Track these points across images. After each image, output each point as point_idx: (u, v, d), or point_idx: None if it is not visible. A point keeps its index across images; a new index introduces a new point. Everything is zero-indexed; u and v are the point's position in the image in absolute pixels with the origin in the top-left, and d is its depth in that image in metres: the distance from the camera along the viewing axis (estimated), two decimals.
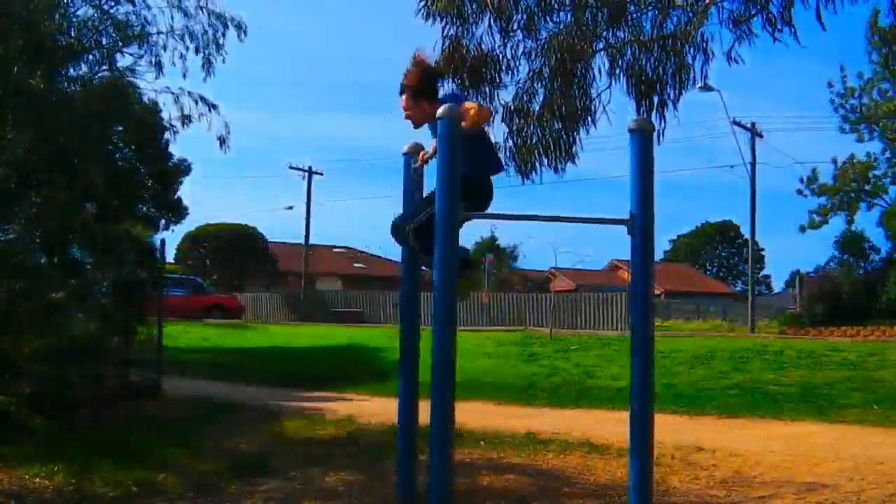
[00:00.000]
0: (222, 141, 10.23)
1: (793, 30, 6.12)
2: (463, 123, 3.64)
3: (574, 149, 7.10)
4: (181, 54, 9.61)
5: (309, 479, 5.64)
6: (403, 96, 4.06)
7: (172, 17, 9.42)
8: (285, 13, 76.66)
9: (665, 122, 6.77)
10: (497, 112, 7.06)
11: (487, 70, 7.00)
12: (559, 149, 7.07)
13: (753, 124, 27.90)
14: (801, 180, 30.05)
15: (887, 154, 29.40)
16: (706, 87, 22.25)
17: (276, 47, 79.48)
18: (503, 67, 7.06)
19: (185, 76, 9.77)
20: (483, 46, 6.94)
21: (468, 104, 3.83)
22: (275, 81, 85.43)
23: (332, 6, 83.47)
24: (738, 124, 27.48)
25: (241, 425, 7.99)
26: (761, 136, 28.10)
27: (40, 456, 5.91)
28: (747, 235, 35.59)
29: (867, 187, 29.86)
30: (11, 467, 5.67)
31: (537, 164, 7.13)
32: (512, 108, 7.08)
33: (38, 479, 5.44)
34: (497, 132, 7.17)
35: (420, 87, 4.03)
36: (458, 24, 6.91)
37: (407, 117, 4.13)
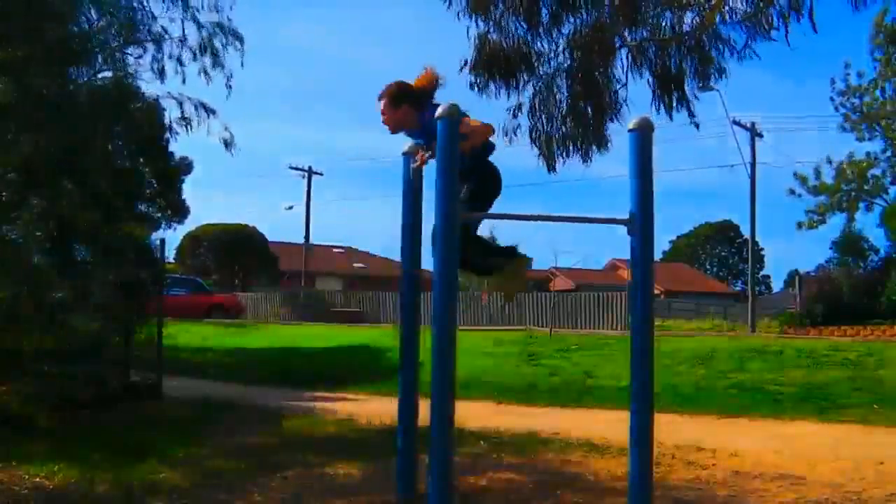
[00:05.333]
0: (227, 144, 10.32)
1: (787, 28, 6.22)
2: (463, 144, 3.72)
3: (600, 140, 7.23)
4: (182, 59, 9.68)
5: (309, 478, 5.64)
6: (382, 101, 4.17)
7: (184, 28, 9.51)
8: (287, 19, 76.72)
9: (694, 115, 6.87)
10: (523, 107, 7.23)
11: (516, 65, 7.14)
12: (587, 141, 7.19)
13: (753, 124, 27.93)
14: (795, 176, 30.00)
15: (888, 153, 29.38)
16: (706, 87, 22.31)
17: (280, 54, 79.54)
18: (530, 62, 7.18)
19: (184, 82, 9.86)
20: (512, 42, 7.08)
21: (470, 121, 3.85)
22: (278, 86, 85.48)
23: (336, 13, 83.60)
24: (738, 124, 27.50)
25: (241, 425, 7.99)
26: (761, 136, 28.15)
27: (41, 455, 5.92)
28: (747, 235, 35.61)
29: (866, 187, 29.82)
30: (12, 467, 5.67)
31: (564, 155, 7.25)
32: (537, 102, 7.19)
33: (38, 479, 5.45)
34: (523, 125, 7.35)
35: (399, 94, 4.14)
36: (488, 21, 7.06)
37: (384, 122, 4.23)
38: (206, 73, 9.79)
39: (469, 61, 7.08)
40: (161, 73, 9.47)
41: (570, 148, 7.24)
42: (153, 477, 5.57)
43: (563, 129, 7.21)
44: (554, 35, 7.04)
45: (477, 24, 7.07)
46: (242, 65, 10.31)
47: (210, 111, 10.11)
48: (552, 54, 7.12)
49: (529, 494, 5.31)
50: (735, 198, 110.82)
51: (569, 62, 7.03)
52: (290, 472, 5.81)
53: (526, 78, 7.19)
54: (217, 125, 10.16)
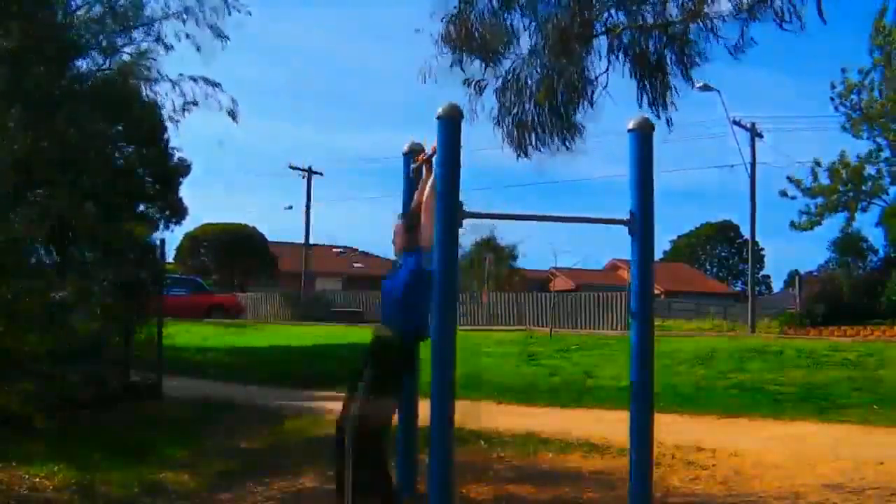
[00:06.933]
0: (232, 115, 10.20)
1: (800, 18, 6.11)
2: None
3: (573, 130, 7.05)
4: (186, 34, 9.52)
5: (309, 479, 5.64)
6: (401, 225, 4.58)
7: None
8: (288, 18, 76.80)
9: (667, 110, 6.73)
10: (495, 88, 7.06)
11: (488, 43, 6.96)
12: (558, 127, 7.02)
13: (753, 124, 27.89)
14: (789, 179, 29.95)
15: (886, 154, 29.36)
16: (706, 87, 22.27)
17: (281, 53, 79.61)
18: (503, 42, 7.01)
19: (198, 49, 9.62)
20: (485, 21, 6.91)
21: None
22: (279, 85, 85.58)
23: (337, 12, 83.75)
24: (738, 124, 27.47)
25: (241, 425, 7.99)
26: (761, 137, 28.10)
27: (41, 455, 5.91)
28: (747, 235, 35.60)
29: (864, 188, 29.79)
30: (12, 467, 5.67)
31: (534, 141, 7.07)
32: (507, 85, 7.03)
33: (38, 479, 5.45)
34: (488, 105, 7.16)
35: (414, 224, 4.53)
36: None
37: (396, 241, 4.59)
38: (218, 34, 9.60)
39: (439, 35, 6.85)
40: (166, 48, 9.34)
41: (543, 136, 7.02)
42: (153, 477, 5.57)
43: (536, 115, 6.99)
44: (530, 13, 6.84)
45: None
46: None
47: (214, 84, 10.02)
48: (527, 34, 6.93)
49: (529, 494, 5.31)
50: (735, 198, 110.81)
51: (543, 43, 6.84)
52: (290, 472, 5.81)
53: (499, 58, 6.99)
54: (225, 98, 10.05)
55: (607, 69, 6.81)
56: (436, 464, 3.72)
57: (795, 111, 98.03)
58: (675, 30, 6.62)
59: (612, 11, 6.82)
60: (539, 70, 6.92)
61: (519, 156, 7.09)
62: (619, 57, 6.77)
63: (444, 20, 6.84)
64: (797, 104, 79.05)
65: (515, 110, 6.95)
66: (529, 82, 6.94)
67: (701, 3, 6.38)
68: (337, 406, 9.16)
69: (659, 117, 6.72)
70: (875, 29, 25.80)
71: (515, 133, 7.01)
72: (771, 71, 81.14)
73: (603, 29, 6.84)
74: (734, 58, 6.42)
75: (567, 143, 7.04)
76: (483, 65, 6.98)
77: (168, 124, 10.66)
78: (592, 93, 6.89)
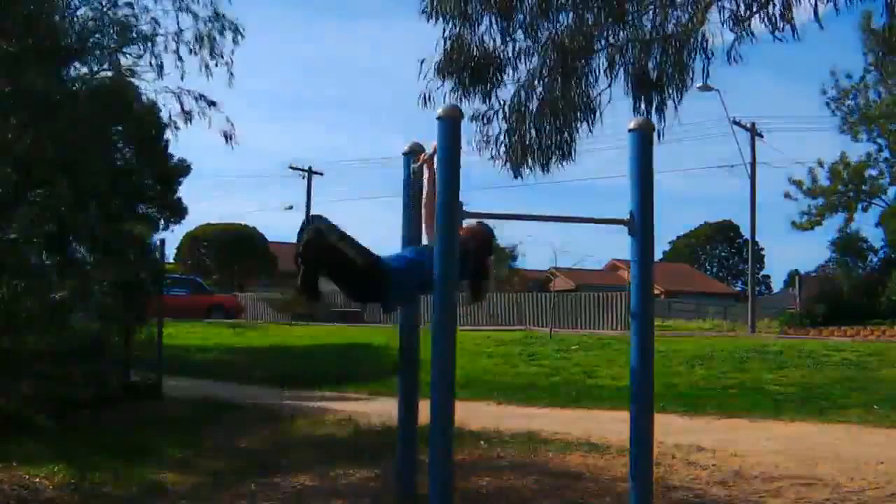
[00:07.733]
0: (227, 137, 10.24)
1: (793, 27, 6.15)
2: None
3: (571, 147, 7.12)
4: (189, 51, 9.57)
5: (309, 479, 5.64)
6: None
7: (179, 21, 9.44)
8: (288, 24, 76.82)
9: (665, 121, 6.80)
10: (497, 111, 7.14)
11: (489, 69, 7.03)
12: (557, 148, 7.09)
13: (753, 124, 27.88)
14: (790, 181, 30.01)
15: (885, 154, 29.37)
16: (706, 87, 22.28)
17: (281, 54, 79.62)
18: (504, 67, 7.08)
19: (182, 78, 9.74)
20: (485, 46, 6.98)
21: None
22: (279, 86, 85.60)
23: (336, 14, 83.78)
24: (738, 124, 27.46)
25: (241, 425, 7.99)
26: (761, 137, 28.09)
27: (41, 455, 5.92)
28: (747, 235, 35.61)
29: (864, 188, 29.81)
30: (12, 467, 5.67)
31: (532, 162, 7.15)
32: (510, 106, 7.09)
33: (38, 479, 5.45)
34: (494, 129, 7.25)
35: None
36: (460, 23, 6.94)
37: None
38: (206, 67, 9.70)
39: (435, 63, 6.92)
40: (160, 69, 9.39)
41: (539, 156, 7.12)
42: (153, 477, 5.57)
43: (538, 135, 7.07)
44: (534, 33, 6.90)
45: (445, 24, 6.92)
46: (234, 51, 10.10)
47: (211, 103, 10.06)
48: (528, 55, 6.99)
49: (529, 494, 5.31)
50: (735, 198, 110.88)
51: (543, 63, 6.90)
52: (290, 472, 5.81)
53: (498, 81, 7.06)
54: (219, 117, 10.08)
55: (610, 85, 6.88)
56: (436, 464, 3.71)
57: (795, 111, 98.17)
58: (671, 45, 6.68)
59: (613, 28, 6.88)
60: (540, 93, 7.00)
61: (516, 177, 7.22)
62: (619, 76, 6.85)
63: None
64: (797, 104, 79.13)
65: (517, 135, 7.04)
66: (532, 106, 7.03)
67: (700, 20, 6.43)
68: (336, 406, 9.15)
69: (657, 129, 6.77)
70: (871, 32, 25.78)
71: (517, 148, 7.10)
72: (770, 71, 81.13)
73: (604, 45, 6.89)
74: (729, 64, 6.49)
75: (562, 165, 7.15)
76: (487, 93, 7.06)
77: (169, 129, 10.70)
78: (595, 111, 6.97)
